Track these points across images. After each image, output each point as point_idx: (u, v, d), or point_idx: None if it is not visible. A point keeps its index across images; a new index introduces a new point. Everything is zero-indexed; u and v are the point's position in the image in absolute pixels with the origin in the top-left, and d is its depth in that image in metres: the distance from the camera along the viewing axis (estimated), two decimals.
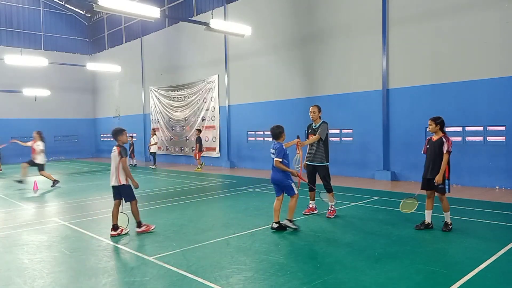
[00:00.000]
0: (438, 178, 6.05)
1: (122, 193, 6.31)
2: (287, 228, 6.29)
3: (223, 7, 17.75)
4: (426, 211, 6.33)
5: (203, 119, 19.46)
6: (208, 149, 19.25)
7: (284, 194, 6.48)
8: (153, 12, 10.67)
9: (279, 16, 15.65)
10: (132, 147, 20.41)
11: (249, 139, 17.31)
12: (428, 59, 11.49)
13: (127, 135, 6.66)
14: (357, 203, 8.62)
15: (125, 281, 4.40)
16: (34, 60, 18.63)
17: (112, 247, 5.71)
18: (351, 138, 13.55)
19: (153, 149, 19.33)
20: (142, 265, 4.90)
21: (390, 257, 4.99)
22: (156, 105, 22.68)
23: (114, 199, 6.36)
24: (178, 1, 20.83)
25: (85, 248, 5.70)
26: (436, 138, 6.25)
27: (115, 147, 6.35)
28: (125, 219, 6.48)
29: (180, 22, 20.45)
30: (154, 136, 19.73)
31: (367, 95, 12.97)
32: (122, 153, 6.22)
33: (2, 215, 8.33)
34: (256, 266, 4.79)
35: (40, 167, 12.65)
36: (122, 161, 6.19)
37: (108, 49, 26.97)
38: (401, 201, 6.90)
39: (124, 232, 6.39)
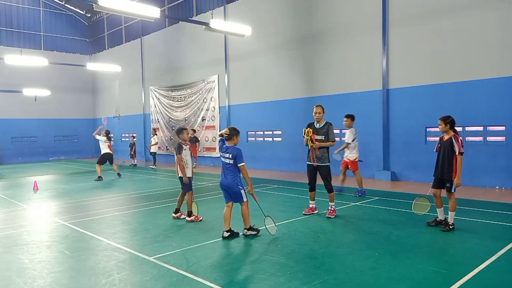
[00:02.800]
0: (457, 182, 6.10)
1: (181, 183, 7.27)
2: (250, 235, 5.98)
3: (223, 7, 17.75)
4: (437, 209, 6.42)
5: (203, 119, 19.47)
6: (208, 149, 19.26)
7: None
8: (153, 12, 10.67)
9: (279, 16, 15.65)
10: (134, 147, 20.45)
11: (249, 139, 17.32)
12: (428, 59, 11.49)
13: (188, 133, 7.55)
14: (357, 203, 8.61)
15: (125, 281, 4.40)
16: (34, 60, 18.62)
17: (112, 247, 5.71)
18: None
19: (153, 149, 19.34)
20: (142, 265, 4.90)
21: (391, 257, 4.99)
22: (156, 105, 22.68)
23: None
24: (178, 1, 20.83)
25: (85, 248, 5.70)
26: (446, 138, 6.24)
27: (188, 145, 7.38)
28: (195, 208, 7.41)
29: (180, 22, 20.46)
30: (155, 136, 19.75)
31: (367, 95, 12.97)
32: (176, 150, 7.15)
33: (2, 215, 8.33)
34: (256, 266, 4.80)
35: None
36: (177, 157, 7.15)
37: (108, 49, 26.98)
38: (412, 202, 6.90)
39: (198, 219, 7.20)
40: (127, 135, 25.40)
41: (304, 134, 7.34)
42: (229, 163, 5.93)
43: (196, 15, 19.48)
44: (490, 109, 10.40)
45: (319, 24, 14.25)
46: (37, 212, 8.63)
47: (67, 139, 27.84)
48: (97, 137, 14.70)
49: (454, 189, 6.19)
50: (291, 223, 6.85)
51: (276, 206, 8.50)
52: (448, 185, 6.18)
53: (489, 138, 10.48)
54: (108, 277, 4.50)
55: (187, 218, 7.19)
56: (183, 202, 7.49)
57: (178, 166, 7.17)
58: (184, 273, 4.55)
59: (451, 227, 6.17)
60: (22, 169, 19.71)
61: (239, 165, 5.85)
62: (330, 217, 7.22)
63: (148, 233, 6.46)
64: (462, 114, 10.87)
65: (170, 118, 21.70)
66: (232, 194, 6.01)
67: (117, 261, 5.05)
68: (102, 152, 14.48)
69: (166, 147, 22.14)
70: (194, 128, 18.93)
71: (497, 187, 10.32)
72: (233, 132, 6.01)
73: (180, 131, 7.35)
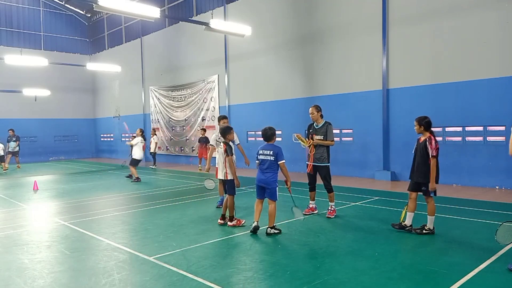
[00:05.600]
0: (431, 186, 5.80)
1: (227, 185, 6.82)
2: (273, 233, 6.14)
3: (223, 7, 17.75)
4: (408, 213, 6.10)
5: (203, 119, 19.47)
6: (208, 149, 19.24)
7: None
8: (153, 12, 10.67)
9: (279, 16, 15.65)
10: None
11: (249, 139, 17.31)
12: (428, 59, 11.49)
13: (234, 133, 7.03)
14: (357, 203, 8.61)
15: (125, 281, 4.40)
16: (34, 60, 18.61)
17: (112, 247, 5.71)
18: (351, 138, 13.55)
19: (153, 149, 19.32)
20: (142, 265, 4.90)
21: (390, 257, 5.00)
22: (156, 105, 22.68)
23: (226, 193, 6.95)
24: (178, 1, 20.83)
25: (85, 248, 5.70)
26: (422, 139, 5.99)
27: (222, 144, 6.77)
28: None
29: (180, 22, 20.45)
30: (154, 136, 19.73)
31: (367, 95, 12.97)
32: (228, 151, 6.64)
33: (2, 215, 8.33)
34: (256, 266, 4.80)
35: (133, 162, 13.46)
36: (228, 160, 6.66)
37: (108, 49, 26.97)
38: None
39: (241, 223, 6.73)
40: (127, 135, 25.39)
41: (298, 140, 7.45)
42: (268, 160, 6.09)
43: (196, 15, 19.48)
44: (490, 109, 10.40)
45: (319, 24, 14.25)
46: (37, 212, 8.63)
47: (67, 139, 27.83)
48: (134, 142, 13.39)
49: (435, 193, 5.88)
50: (291, 223, 6.85)
51: (276, 206, 8.48)
52: (424, 188, 5.91)
53: (489, 138, 10.47)
54: (108, 277, 4.50)
55: (229, 223, 6.74)
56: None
57: (228, 169, 6.68)
58: (184, 273, 4.55)
59: (425, 231, 5.92)
60: (22, 169, 19.70)
61: (279, 162, 6.03)
62: (330, 217, 7.22)
63: (148, 233, 6.46)
64: (462, 114, 10.88)
65: (170, 118, 21.70)
66: (267, 191, 6.15)
67: (117, 261, 5.05)
68: (134, 156, 13.34)
69: (166, 147, 22.13)
70: (205, 128, 18.76)
71: (497, 187, 10.31)
72: (270, 132, 6.20)
73: (228, 130, 6.76)
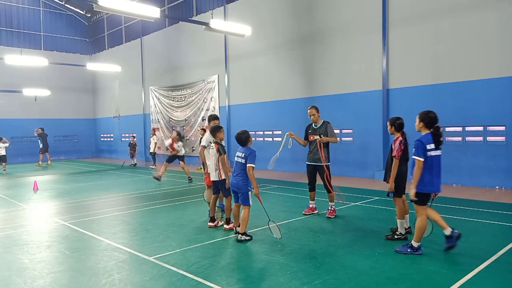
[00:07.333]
0: (390, 186, 5.61)
1: (221, 187, 6.55)
2: (244, 240, 5.79)
3: (223, 7, 17.75)
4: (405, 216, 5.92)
5: (203, 119, 19.46)
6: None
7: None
8: (153, 12, 10.68)
9: (279, 16, 15.65)
10: (135, 148, 20.45)
11: None
12: (428, 59, 11.49)
13: (223, 132, 6.66)
14: (357, 203, 8.62)
15: (125, 281, 4.40)
16: (34, 60, 18.62)
17: (112, 247, 5.71)
18: (351, 138, 13.55)
19: (152, 149, 19.32)
20: (142, 265, 4.90)
21: (390, 257, 5.00)
22: (156, 105, 22.68)
23: (213, 194, 6.73)
24: (178, 1, 20.83)
25: (85, 248, 5.70)
26: (394, 140, 5.92)
27: (213, 144, 6.53)
28: (219, 214, 6.96)
29: (180, 22, 20.46)
30: (154, 136, 19.73)
31: (367, 95, 12.97)
32: (221, 150, 6.39)
33: (2, 215, 8.33)
34: (256, 266, 4.80)
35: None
36: (220, 158, 6.39)
37: (108, 49, 26.97)
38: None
39: (220, 224, 6.72)
40: (127, 135, 25.40)
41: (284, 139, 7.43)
42: (239, 162, 5.89)
43: (196, 15, 19.48)
44: (490, 109, 10.40)
45: (319, 24, 14.25)
46: (37, 212, 8.63)
47: (67, 139, 27.83)
48: (166, 143, 14.10)
49: (390, 195, 5.67)
50: (291, 223, 6.85)
51: (276, 206, 8.50)
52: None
53: (489, 138, 10.48)
54: (108, 277, 4.50)
55: (226, 226, 6.52)
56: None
57: (220, 169, 6.41)
58: (184, 273, 4.55)
59: (396, 236, 5.67)
60: (22, 169, 19.72)
61: (248, 165, 5.72)
62: (330, 217, 7.22)
63: (148, 233, 6.46)
64: (462, 114, 10.88)
65: (170, 118, 21.70)
66: (239, 195, 5.92)
67: (117, 261, 5.05)
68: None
69: (167, 147, 22.09)
70: (205, 128, 18.75)
71: (497, 187, 10.31)
72: (244, 136, 5.97)
73: (218, 129, 6.50)
